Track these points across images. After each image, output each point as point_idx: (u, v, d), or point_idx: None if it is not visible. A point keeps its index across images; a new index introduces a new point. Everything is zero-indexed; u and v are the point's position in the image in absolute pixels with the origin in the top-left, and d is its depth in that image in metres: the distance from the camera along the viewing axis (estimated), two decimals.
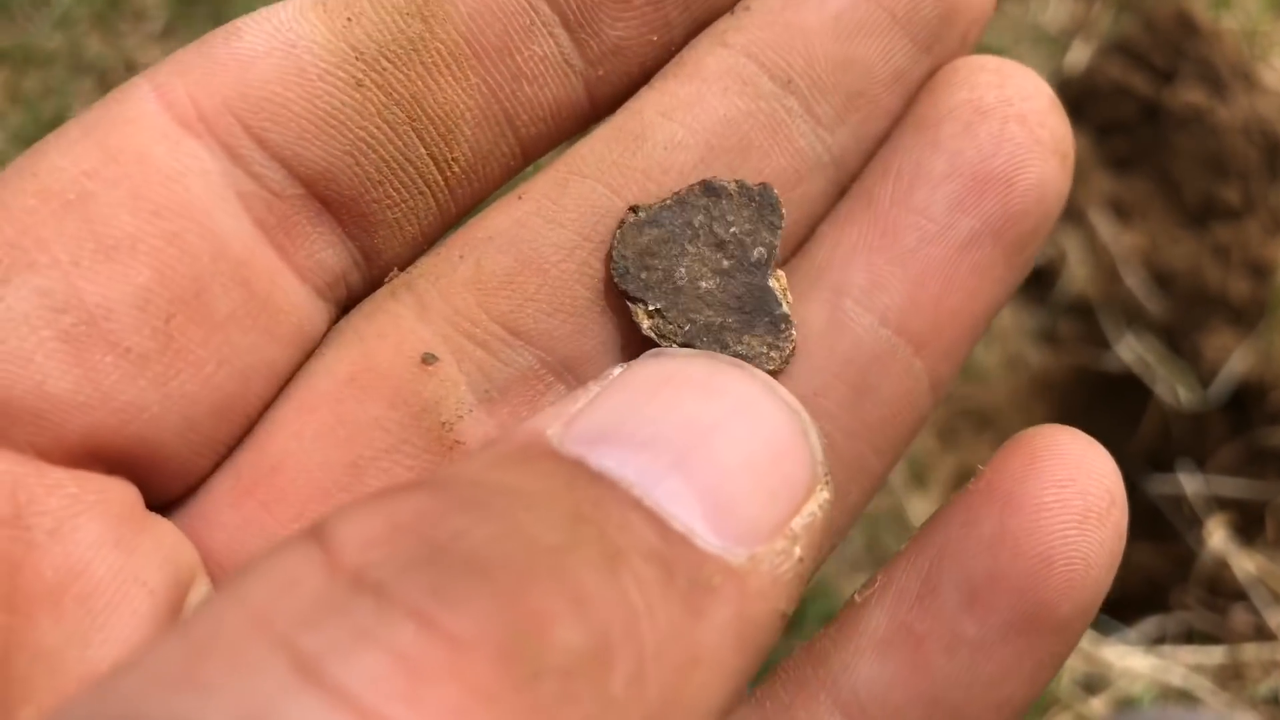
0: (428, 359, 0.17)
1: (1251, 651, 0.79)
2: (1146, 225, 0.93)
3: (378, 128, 0.17)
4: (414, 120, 0.17)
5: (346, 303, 0.19)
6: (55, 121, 1.03)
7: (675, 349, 0.18)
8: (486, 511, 0.14)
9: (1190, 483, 0.85)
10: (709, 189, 0.19)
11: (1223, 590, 0.82)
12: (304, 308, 0.18)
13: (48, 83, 1.07)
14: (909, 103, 0.19)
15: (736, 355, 0.19)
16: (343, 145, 0.17)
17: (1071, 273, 0.94)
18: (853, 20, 0.19)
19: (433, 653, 0.12)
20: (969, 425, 0.91)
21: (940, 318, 0.18)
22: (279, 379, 0.18)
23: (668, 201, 0.19)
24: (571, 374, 0.18)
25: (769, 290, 0.19)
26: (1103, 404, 0.91)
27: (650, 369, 0.16)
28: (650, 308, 0.19)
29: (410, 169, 0.18)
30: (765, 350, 0.19)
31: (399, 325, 0.18)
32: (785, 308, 0.19)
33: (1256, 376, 0.87)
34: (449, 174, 0.18)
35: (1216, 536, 0.82)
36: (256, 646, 0.12)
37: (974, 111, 0.18)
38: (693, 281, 0.19)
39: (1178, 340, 0.89)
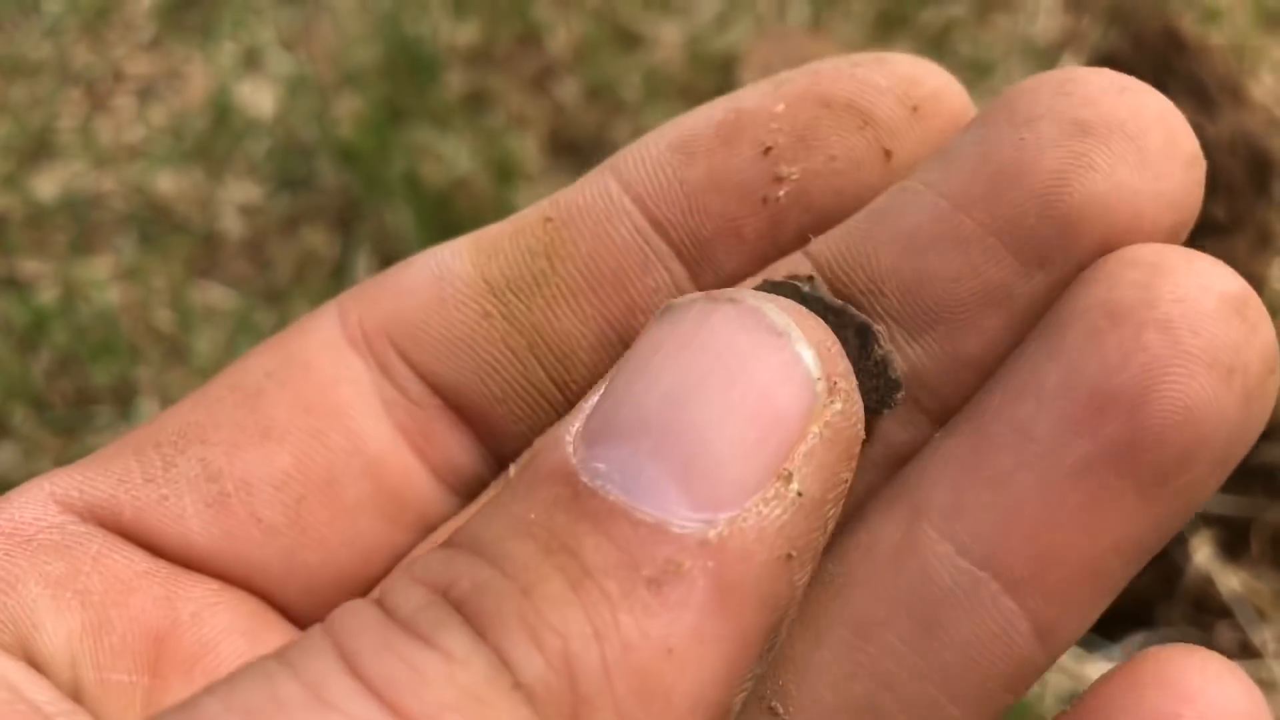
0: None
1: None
2: None
3: (501, 353, 0.20)
4: (534, 347, 0.20)
5: None
6: (43, 132, 1.03)
7: (680, 299, 0.18)
8: (480, 559, 0.16)
9: None
10: (850, 330, 0.18)
11: (1208, 607, 0.82)
12: (435, 501, 0.20)
13: (35, 93, 1.07)
14: (1028, 317, 0.17)
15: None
16: (471, 367, 0.20)
17: None
18: (929, 234, 0.18)
19: (435, 664, 0.15)
20: None
21: (1041, 554, 0.16)
22: (400, 557, 0.20)
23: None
24: None
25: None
26: None
27: (650, 335, 0.17)
28: None
29: (532, 389, 0.20)
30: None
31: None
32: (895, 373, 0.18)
33: None
34: (569, 394, 0.20)
35: (1201, 553, 0.82)
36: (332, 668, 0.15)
37: (1105, 315, 0.16)
38: None
39: None
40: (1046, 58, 1.06)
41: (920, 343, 0.18)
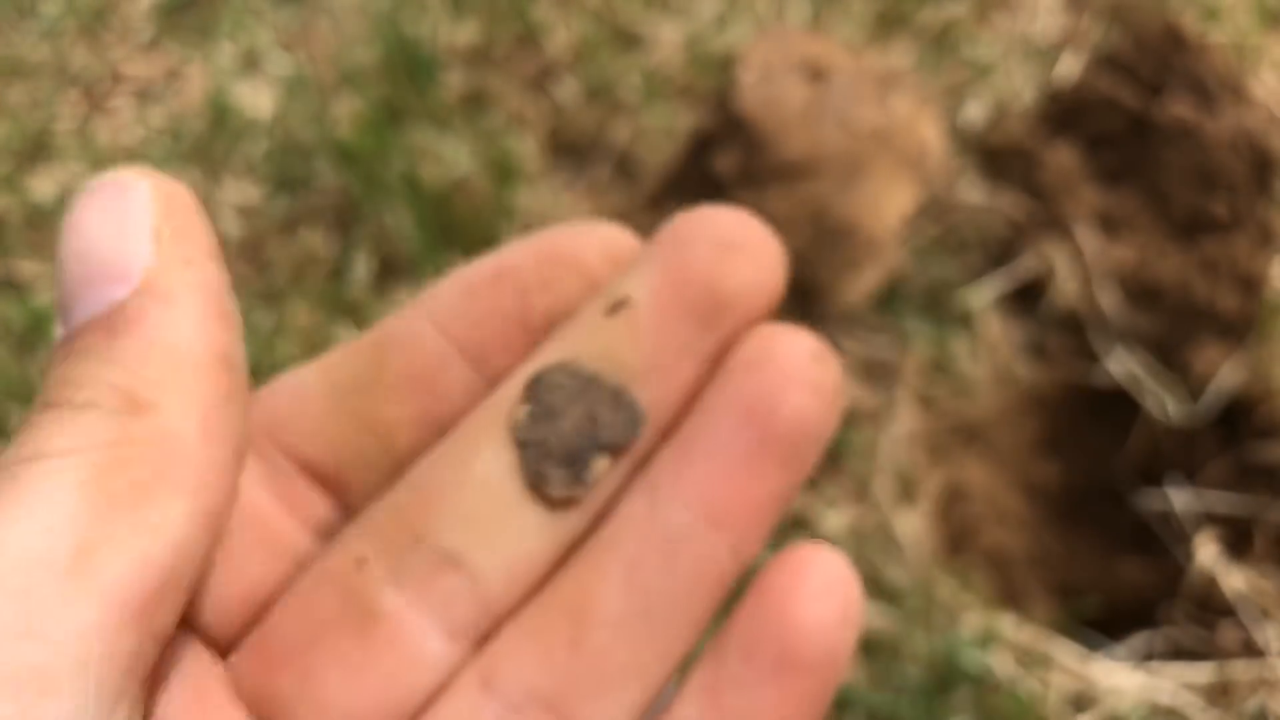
0: (359, 561, 0.25)
1: (1240, 668, 0.78)
2: (1135, 238, 0.93)
3: (344, 435, 0.26)
4: (371, 429, 0.27)
5: None
6: (41, 134, 1.03)
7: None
8: None
9: (1179, 497, 0.85)
10: (604, 387, 0.26)
11: (1211, 606, 0.81)
12: (301, 543, 0.27)
13: (34, 95, 1.06)
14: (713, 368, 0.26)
15: (536, 470, 0.25)
16: (323, 446, 0.27)
17: (1060, 286, 0.93)
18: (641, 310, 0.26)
19: None
20: (958, 440, 0.91)
21: (729, 504, 0.25)
22: (283, 582, 0.26)
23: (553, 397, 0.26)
24: (458, 562, 0.25)
25: (589, 462, 0.26)
26: (1092, 418, 0.91)
27: None
28: (528, 409, 0.26)
29: (368, 453, 0.27)
30: (557, 482, 0.25)
31: (346, 544, 0.26)
32: (590, 475, 0.26)
33: (1245, 391, 0.86)
34: (394, 454, 0.27)
35: (1205, 552, 0.82)
36: None
37: (744, 368, 0.25)
38: (559, 417, 0.26)
39: (1167, 354, 0.89)
40: (1047, 57, 1.06)
41: (647, 390, 0.26)
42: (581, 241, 0.27)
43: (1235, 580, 0.80)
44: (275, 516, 0.26)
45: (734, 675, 0.24)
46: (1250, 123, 0.92)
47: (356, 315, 0.90)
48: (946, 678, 0.78)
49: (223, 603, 0.25)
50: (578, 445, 0.26)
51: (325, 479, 0.27)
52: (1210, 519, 0.83)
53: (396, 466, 0.27)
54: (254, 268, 0.95)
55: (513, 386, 0.26)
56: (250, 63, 1.07)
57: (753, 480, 0.25)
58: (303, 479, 0.27)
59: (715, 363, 0.26)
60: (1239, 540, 0.83)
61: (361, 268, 0.93)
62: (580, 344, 0.26)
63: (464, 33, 1.07)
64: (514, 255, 0.27)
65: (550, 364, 0.26)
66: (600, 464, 0.26)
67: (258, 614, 0.26)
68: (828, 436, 0.26)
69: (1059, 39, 1.07)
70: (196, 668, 0.24)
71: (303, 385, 0.27)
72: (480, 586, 0.25)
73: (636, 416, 0.26)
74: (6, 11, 1.10)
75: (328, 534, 0.27)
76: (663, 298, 0.26)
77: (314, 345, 0.87)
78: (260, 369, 0.81)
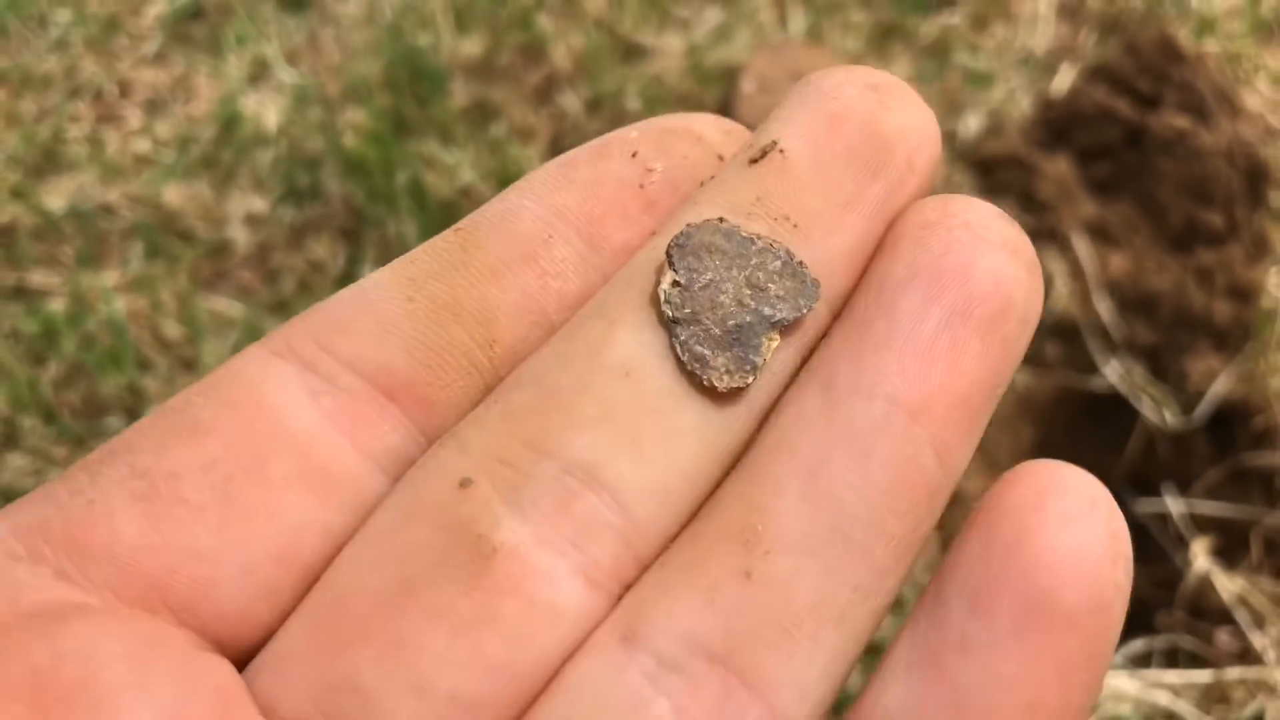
0: (464, 483, 0.19)
1: (1237, 674, 0.79)
2: (1131, 249, 0.94)
3: (425, 326, 0.21)
4: (457, 317, 0.21)
5: None
6: (51, 144, 1.04)
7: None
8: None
9: (1175, 504, 0.85)
10: (767, 249, 0.21)
11: (1208, 612, 0.82)
12: (364, 479, 0.20)
13: (44, 105, 1.08)
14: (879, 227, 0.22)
15: (693, 354, 0.20)
16: (397, 343, 0.20)
17: (1056, 295, 0.94)
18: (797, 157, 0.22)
19: None
20: None
21: (929, 390, 0.20)
22: (334, 539, 0.20)
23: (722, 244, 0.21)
24: (595, 480, 0.20)
25: (760, 343, 0.21)
26: (1088, 425, 0.92)
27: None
28: (674, 279, 0.21)
29: (457, 353, 0.21)
30: (720, 368, 0.20)
31: (442, 463, 0.20)
32: (759, 358, 0.20)
33: (1240, 399, 0.87)
34: (491, 354, 0.21)
35: (1201, 558, 0.83)
36: None
37: (922, 227, 0.21)
38: (715, 289, 0.21)
39: (1162, 363, 0.90)
40: (1045, 68, 1.07)
41: (808, 244, 0.22)
42: (695, 119, 0.23)
43: (1230, 586, 0.81)
44: (331, 448, 0.20)
45: (961, 635, 0.18)
46: (1245, 134, 0.93)
47: None
48: None
49: (248, 562, 0.19)
50: (742, 321, 0.21)
51: (400, 393, 0.20)
52: (1206, 525, 0.84)
53: (495, 368, 0.21)
54: (262, 277, 0.96)
55: (651, 253, 0.21)
56: (258, 74, 1.09)
57: (954, 360, 0.20)
58: (370, 397, 0.20)
59: (884, 223, 0.22)
60: (1235, 547, 0.84)
61: None
62: (727, 198, 0.22)
63: (468, 44, 1.09)
64: (616, 134, 0.23)
65: (697, 223, 0.21)
66: (771, 343, 0.21)
67: (303, 584, 0.19)
68: (1035, 315, 0.21)
69: (1055, 50, 1.08)
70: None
71: (370, 285, 0.22)
72: (626, 510, 0.19)
73: (808, 283, 0.21)
74: (17, 24, 1.11)
75: (405, 467, 0.21)
76: (817, 140, 0.21)
77: None
78: None
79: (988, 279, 0.20)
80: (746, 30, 1.09)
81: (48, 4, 1.12)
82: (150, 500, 0.19)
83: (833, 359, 0.20)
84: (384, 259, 0.95)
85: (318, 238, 0.98)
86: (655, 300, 0.21)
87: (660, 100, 1.04)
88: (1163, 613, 0.83)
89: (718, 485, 0.20)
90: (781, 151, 0.22)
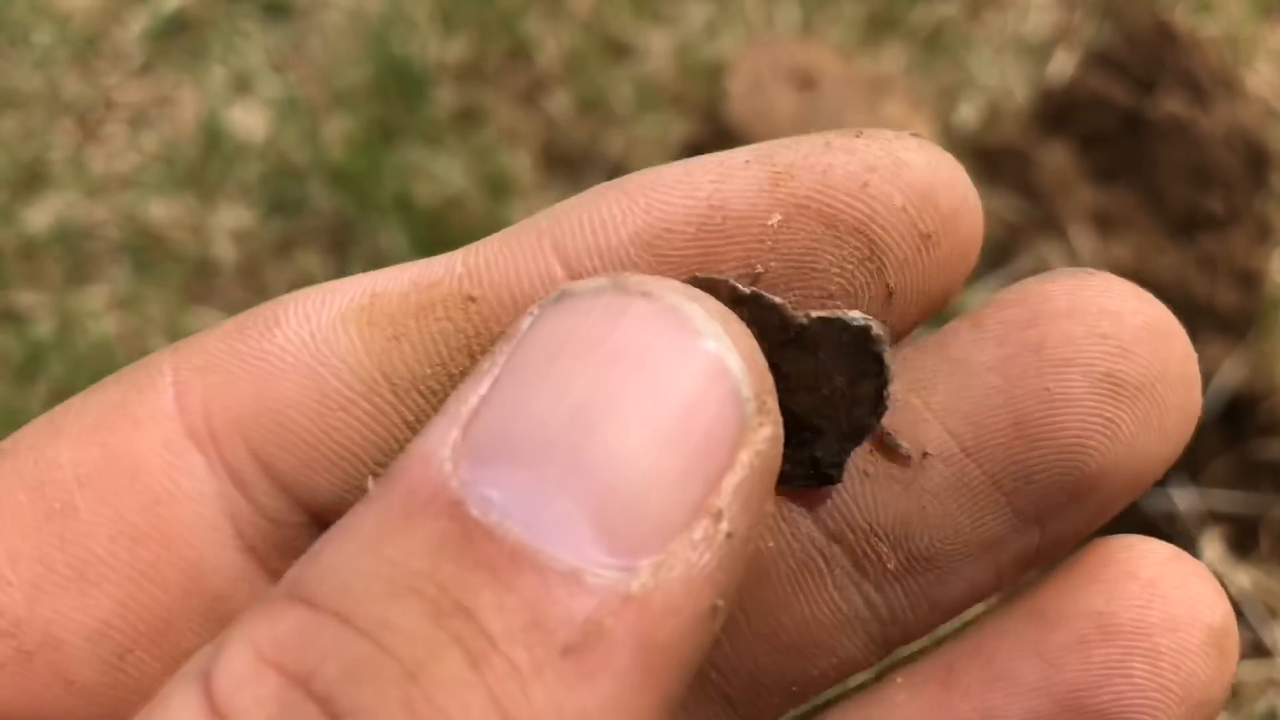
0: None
1: (1248, 669, 0.78)
2: (1131, 237, 0.92)
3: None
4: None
5: None
6: (35, 164, 1.03)
7: (578, 284, 0.15)
8: (350, 628, 0.13)
9: (1184, 497, 0.84)
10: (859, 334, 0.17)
11: None
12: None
13: (27, 124, 1.07)
14: (1015, 569, 0.18)
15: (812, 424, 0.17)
16: (356, 479, 0.16)
17: None
18: (934, 478, 0.17)
19: None
20: None
21: None
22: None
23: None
24: None
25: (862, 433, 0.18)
26: None
27: (546, 329, 0.15)
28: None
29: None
30: (823, 455, 0.17)
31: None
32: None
33: (1248, 388, 0.86)
34: None
35: (1211, 551, 0.82)
36: None
37: (1097, 629, 0.16)
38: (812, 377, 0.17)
39: None
40: (1039, 55, 1.05)
41: (902, 585, 0.18)
42: (877, 194, 0.18)
43: (1242, 579, 0.80)
44: (249, 600, 0.17)
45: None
46: (1245, 117, 0.91)
47: None
48: None
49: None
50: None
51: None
52: (1215, 518, 0.83)
53: None
54: (250, 291, 0.95)
55: None
56: (242, 85, 1.08)
57: None
58: (308, 529, 0.18)
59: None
60: (1244, 539, 0.82)
61: None
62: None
63: (454, 49, 1.07)
64: (748, 191, 0.17)
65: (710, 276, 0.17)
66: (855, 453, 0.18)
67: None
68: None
69: (1051, 37, 1.07)
70: None
71: (324, 361, 0.17)
72: None
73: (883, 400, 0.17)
74: (1, 42, 1.10)
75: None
76: (986, 459, 0.18)
77: None
78: None
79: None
80: (736, 25, 1.08)
81: (30, 21, 1.11)
82: (24, 670, 0.16)
83: None
84: (372, 269, 0.94)
85: (306, 250, 0.97)
86: None
87: (650, 103, 1.02)
88: None
89: None
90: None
